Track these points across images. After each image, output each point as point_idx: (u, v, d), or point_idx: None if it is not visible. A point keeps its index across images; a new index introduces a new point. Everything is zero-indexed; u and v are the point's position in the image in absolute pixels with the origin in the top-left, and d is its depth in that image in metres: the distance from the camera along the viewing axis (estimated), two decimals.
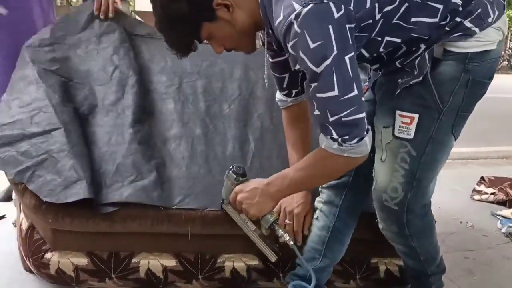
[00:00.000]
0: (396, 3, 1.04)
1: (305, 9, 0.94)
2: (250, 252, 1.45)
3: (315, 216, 1.39)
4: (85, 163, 1.33)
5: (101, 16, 1.76)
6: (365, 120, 1.05)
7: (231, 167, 1.26)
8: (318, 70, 0.98)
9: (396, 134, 1.17)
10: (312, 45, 0.96)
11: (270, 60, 1.31)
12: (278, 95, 1.42)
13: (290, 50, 1.01)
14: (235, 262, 1.43)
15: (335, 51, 0.96)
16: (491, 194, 2.59)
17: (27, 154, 1.31)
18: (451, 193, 2.67)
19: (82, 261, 1.36)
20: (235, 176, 1.24)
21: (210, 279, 1.42)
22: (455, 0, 1.06)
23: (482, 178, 2.76)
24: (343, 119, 1.01)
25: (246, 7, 1.08)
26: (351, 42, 0.99)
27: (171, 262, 1.40)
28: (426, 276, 1.38)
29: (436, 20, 1.06)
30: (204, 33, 1.12)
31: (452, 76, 1.12)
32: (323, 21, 0.95)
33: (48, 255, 1.35)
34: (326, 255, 1.36)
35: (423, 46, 1.11)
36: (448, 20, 1.07)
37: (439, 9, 1.05)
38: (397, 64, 1.17)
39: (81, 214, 1.28)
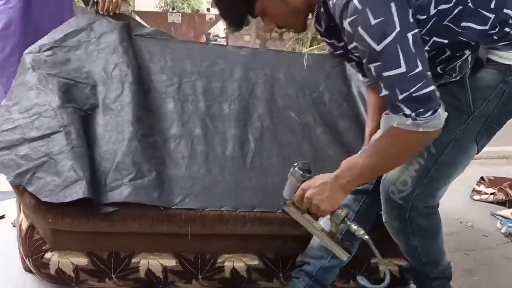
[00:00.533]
0: (452, 4, 1.05)
1: None
2: (250, 252, 1.45)
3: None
4: (85, 163, 1.32)
5: (107, 13, 1.81)
6: (436, 93, 1.01)
7: (295, 164, 1.18)
8: (378, 47, 0.97)
9: None
10: (373, 22, 0.95)
11: (334, 53, 1.29)
12: (359, 76, 1.44)
13: (348, 27, 1.00)
14: (235, 262, 1.43)
15: (398, 28, 0.96)
16: (491, 194, 2.59)
17: (27, 157, 1.31)
18: (451, 193, 2.65)
19: (82, 261, 1.36)
20: (301, 172, 1.16)
21: (210, 279, 1.42)
22: (507, 11, 1.07)
23: (482, 178, 2.76)
24: (414, 95, 0.98)
25: None
26: (412, 21, 0.99)
27: (171, 262, 1.40)
28: (427, 279, 1.37)
29: (486, 27, 1.07)
30: (258, 8, 1.13)
31: (490, 84, 1.12)
32: None
33: (48, 255, 1.35)
34: (335, 256, 1.30)
35: (467, 52, 1.11)
36: (497, 29, 1.08)
37: (490, 18, 1.06)
38: (438, 70, 1.14)
39: (81, 214, 1.28)
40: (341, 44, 1.14)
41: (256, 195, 1.41)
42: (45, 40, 1.67)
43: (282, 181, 1.45)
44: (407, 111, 1.00)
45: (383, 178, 1.24)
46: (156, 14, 14.81)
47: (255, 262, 1.44)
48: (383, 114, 1.09)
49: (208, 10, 17.83)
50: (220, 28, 16.07)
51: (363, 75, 1.32)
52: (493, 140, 1.34)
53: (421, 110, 0.99)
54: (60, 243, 1.36)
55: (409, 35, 0.97)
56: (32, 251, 1.37)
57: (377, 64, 0.99)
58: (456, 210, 2.38)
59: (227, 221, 1.35)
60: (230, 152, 1.52)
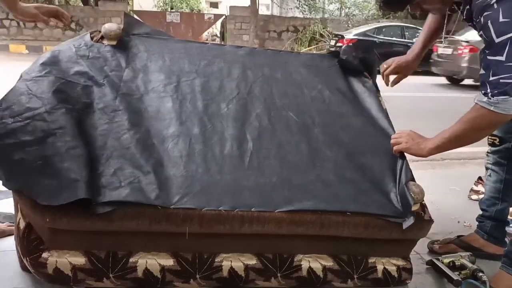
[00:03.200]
0: None
1: None
2: (248, 251, 1.45)
3: (487, 174, 1.87)
4: (82, 164, 1.32)
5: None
6: None
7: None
8: (497, 40, 1.25)
9: None
10: (501, 19, 1.24)
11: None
12: None
13: (482, 19, 1.29)
14: (233, 262, 1.43)
15: None
16: None
17: (22, 162, 1.30)
18: (449, 193, 2.68)
19: (80, 260, 1.35)
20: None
21: (207, 279, 1.42)
22: None
23: (480, 178, 2.76)
24: (501, 80, 1.26)
25: None
26: None
27: (168, 262, 1.40)
28: None
29: None
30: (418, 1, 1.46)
31: None
32: None
33: (45, 254, 1.35)
34: (504, 199, 1.83)
35: None
36: None
37: None
38: None
39: (79, 213, 1.28)
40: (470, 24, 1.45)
41: (254, 195, 1.41)
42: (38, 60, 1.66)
43: (280, 180, 1.46)
44: (488, 91, 1.29)
45: None
46: (154, 14, 14.80)
47: (253, 261, 1.44)
48: None
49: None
50: (218, 28, 16.05)
51: None
52: None
53: (496, 91, 1.27)
54: (58, 243, 1.36)
55: None
56: (30, 250, 1.37)
57: (489, 50, 1.28)
58: (454, 210, 2.38)
59: (225, 220, 1.34)
60: (228, 151, 1.52)
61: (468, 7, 1.41)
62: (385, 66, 1.92)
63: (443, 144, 1.50)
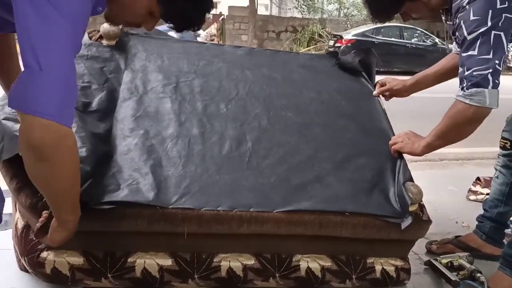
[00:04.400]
0: None
1: None
2: (247, 251, 1.45)
3: (495, 175, 1.88)
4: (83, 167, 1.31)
5: None
6: (493, 78, 1.31)
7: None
8: (468, 37, 1.31)
9: None
10: (471, 18, 1.30)
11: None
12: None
13: (456, 20, 1.37)
14: (231, 262, 1.43)
15: (487, 26, 1.28)
16: (487, 194, 2.59)
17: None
18: (447, 193, 2.68)
19: (78, 260, 1.35)
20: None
21: (206, 279, 1.42)
22: None
23: (478, 178, 2.77)
24: (474, 73, 1.31)
25: None
26: (501, 25, 1.29)
27: (167, 262, 1.39)
28: None
29: None
30: (403, 9, 1.49)
31: None
32: (487, 4, 1.29)
33: (43, 254, 1.35)
34: (507, 203, 1.83)
35: None
36: None
37: None
38: None
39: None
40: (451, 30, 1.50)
41: (253, 195, 1.41)
42: None
43: (278, 180, 1.46)
44: (464, 85, 1.34)
45: None
46: None
47: (251, 261, 1.44)
48: None
49: None
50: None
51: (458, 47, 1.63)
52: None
53: (470, 84, 1.32)
54: None
55: (493, 32, 1.28)
56: (28, 250, 1.36)
57: (463, 47, 1.34)
58: (452, 210, 2.38)
59: (223, 220, 1.34)
60: (227, 151, 1.52)
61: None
62: (379, 83, 1.91)
63: (433, 142, 1.53)
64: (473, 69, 1.32)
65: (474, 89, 1.33)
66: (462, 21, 1.34)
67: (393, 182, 1.56)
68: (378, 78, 1.97)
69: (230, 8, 14.37)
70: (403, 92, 1.89)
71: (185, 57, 1.84)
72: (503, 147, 1.83)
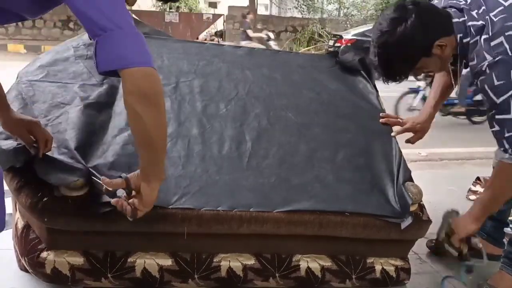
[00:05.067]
0: None
1: (495, 59, 1.31)
2: (246, 251, 1.45)
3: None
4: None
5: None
6: None
7: (449, 210, 1.67)
8: (498, 101, 1.32)
9: None
10: (496, 83, 1.32)
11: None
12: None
13: (478, 83, 1.37)
14: (231, 262, 1.43)
15: None
16: None
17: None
18: (447, 193, 2.68)
19: (78, 260, 1.35)
20: (456, 211, 1.66)
21: (206, 279, 1.42)
22: None
23: (478, 178, 2.77)
24: None
25: (451, 46, 1.40)
26: None
27: (167, 262, 1.40)
28: None
29: None
30: (418, 65, 1.44)
31: None
32: (507, 67, 1.30)
33: (43, 254, 1.35)
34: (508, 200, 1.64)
35: None
36: None
37: None
38: None
39: (77, 213, 1.28)
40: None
41: (252, 195, 1.41)
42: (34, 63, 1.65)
43: (278, 180, 1.46)
44: (507, 146, 1.35)
45: None
46: (153, 14, 14.77)
47: (251, 261, 1.44)
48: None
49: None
50: (218, 28, 16.05)
51: None
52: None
53: None
54: (56, 242, 1.36)
55: None
56: (28, 250, 1.37)
57: (493, 111, 1.35)
58: None
59: (223, 220, 1.35)
60: (226, 151, 1.52)
61: (464, 61, 1.45)
62: (400, 123, 1.83)
63: (483, 213, 1.55)
64: None
65: None
66: (486, 86, 1.35)
67: (393, 182, 1.56)
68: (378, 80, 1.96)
69: (230, 8, 14.36)
70: (424, 127, 1.84)
71: (185, 57, 1.84)
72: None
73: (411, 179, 1.57)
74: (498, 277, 1.66)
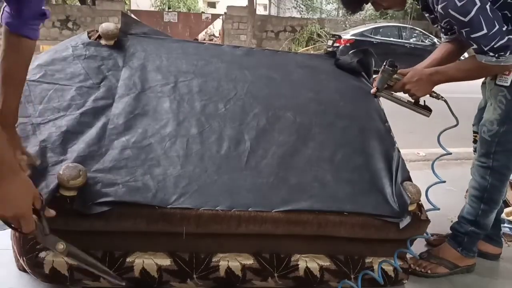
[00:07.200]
0: None
1: None
2: (245, 251, 1.45)
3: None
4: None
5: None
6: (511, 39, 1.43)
7: (384, 63, 1.71)
8: (466, 19, 1.41)
9: (497, 82, 1.59)
10: (459, 4, 1.40)
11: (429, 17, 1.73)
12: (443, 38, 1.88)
13: (440, 10, 1.45)
14: (230, 262, 1.43)
15: (478, 4, 1.39)
16: None
17: None
18: (445, 193, 2.68)
19: None
20: (391, 68, 1.71)
21: (204, 279, 1.42)
22: None
23: None
24: (495, 46, 1.43)
25: None
26: None
27: (165, 262, 1.40)
28: (462, 235, 1.79)
29: None
30: None
31: None
32: None
33: (42, 254, 1.35)
34: None
35: None
36: None
37: None
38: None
39: (75, 213, 1.27)
40: (432, 16, 1.64)
41: (251, 195, 1.41)
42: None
43: (277, 180, 1.47)
44: (492, 54, 1.45)
45: (480, 123, 1.70)
46: (152, 13, 14.79)
47: (250, 261, 1.44)
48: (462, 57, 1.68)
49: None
50: (216, 28, 16.05)
51: (445, 34, 1.80)
52: None
53: (502, 53, 1.44)
54: None
55: (487, 7, 1.40)
56: (26, 250, 1.36)
57: (466, 29, 1.44)
58: (450, 210, 2.37)
59: (222, 220, 1.35)
60: (225, 151, 1.52)
61: None
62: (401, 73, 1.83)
63: (441, 82, 1.66)
64: (492, 44, 1.42)
65: (508, 54, 1.44)
66: (449, 10, 1.42)
67: (391, 182, 1.56)
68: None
69: (229, 8, 14.37)
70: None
71: (184, 57, 1.84)
72: (474, 141, 1.88)
73: (409, 179, 1.57)
74: (444, 248, 1.83)
